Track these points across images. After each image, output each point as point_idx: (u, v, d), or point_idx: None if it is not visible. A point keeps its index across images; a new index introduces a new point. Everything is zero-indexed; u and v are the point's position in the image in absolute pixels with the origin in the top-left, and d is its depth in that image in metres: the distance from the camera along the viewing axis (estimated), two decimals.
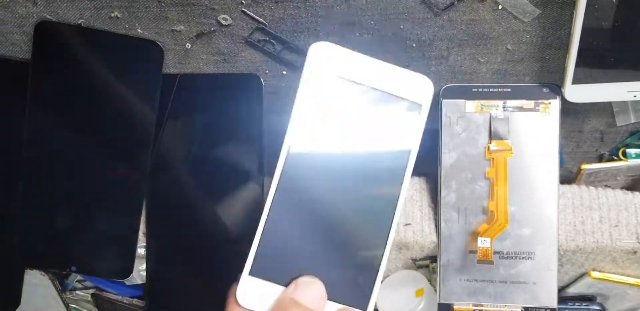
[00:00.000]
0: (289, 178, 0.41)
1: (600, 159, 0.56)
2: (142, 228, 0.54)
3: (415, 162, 0.40)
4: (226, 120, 0.52)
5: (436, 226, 0.52)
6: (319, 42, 0.40)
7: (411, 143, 0.41)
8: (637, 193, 0.52)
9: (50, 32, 0.48)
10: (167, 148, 0.53)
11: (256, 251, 0.40)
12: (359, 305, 0.40)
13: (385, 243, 0.41)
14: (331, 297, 0.40)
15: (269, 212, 0.40)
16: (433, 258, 0.56)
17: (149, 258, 0.55)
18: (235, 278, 0.39)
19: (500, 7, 0.43)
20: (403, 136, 0.41)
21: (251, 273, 0.40)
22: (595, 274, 0.55)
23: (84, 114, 0.51)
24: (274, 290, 0.39)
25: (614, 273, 0.56)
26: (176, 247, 0.54)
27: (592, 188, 0.53)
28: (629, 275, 0.56)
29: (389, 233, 0.41)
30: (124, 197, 0.53)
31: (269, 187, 0.40)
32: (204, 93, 0.52)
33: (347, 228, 0.42)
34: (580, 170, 0.56)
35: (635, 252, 0.52)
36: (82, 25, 0.48)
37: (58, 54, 0.49)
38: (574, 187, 0.53)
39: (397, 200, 0.41)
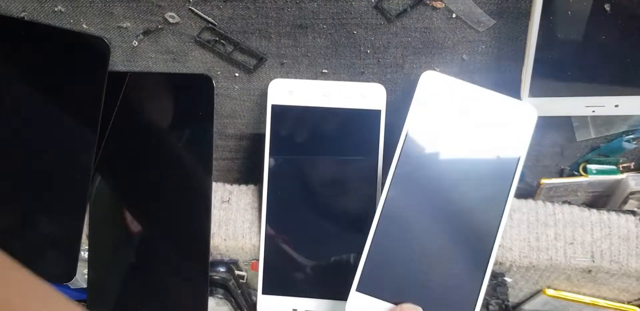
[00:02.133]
0: (396, 196, 0.44)
1: (560, 174, 0.55)
2: (86, 230, 0.52)
3: None
4: (175, 121, 0.50)
5: None
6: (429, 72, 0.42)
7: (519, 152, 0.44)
8: (594, 210, 0.50)
9: None
10: (113, 148, 0.51)
11: (363, 268, 0.44)
12: None
13: (487, 266, 0.44)
14: None
15: (377, 227, 0.44)
16: None
17: (90, 261, 0.53)
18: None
19: (454, 15, 0.41)
20: (511, 147, 0.45)
21: (359, 289, 0.44)
22: (550, 292, 0.54)
23: (22, 111, 0.49)
24: (380, 306, 0.43)
25: (569, 291, 0.54)
26: (118, 249, 0.52)
27: (548, 203, 0.51)
28: (584, 294, 0.54)
29: (490, 255, 0.44)
30: (67, 197, 0.51)
31: (376, 202, 0.45)
32: (153, 93, 0.50)
33: (449, 248, 0.45)
34: (539, 184, 0.54)
35: (589, 271, 0.50)
36: (25, 18, 0.45)
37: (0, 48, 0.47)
38: (530, 202, 0.51)
39: (500, 221, 0.44)
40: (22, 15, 0.45)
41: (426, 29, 0.42)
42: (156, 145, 0.50)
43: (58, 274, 0.52)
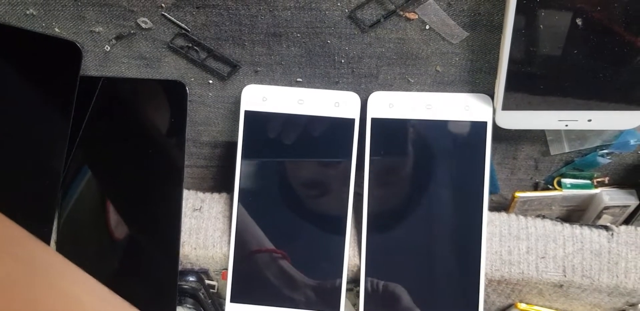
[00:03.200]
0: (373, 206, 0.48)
1: (535, 187, 0.55)
2: (54, 237, 0.51)
3: None
4: (147, 127, 0.49)
5: None
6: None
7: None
8: (566, 224, 0.50)
9: None
10: (84, 154, 0.50)
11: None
12: None
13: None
14: None
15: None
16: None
17: None
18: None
19: (427, 27, 0.41)
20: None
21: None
22: (522, 306, 0.54)
23: None
24: None
25: (541, 306, 0.54)
26: (86, 256, 0.51)
27: (521, 217, 0.51)
28: (556, 309, 0.54)
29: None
30: (36, 203, 0.50)
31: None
32: (126, 98, 0.49)
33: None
34: (514, 197, 0.54)
35: (561, 286, 0.50)
36: None
37: None
38: (503, 215, 0.51)
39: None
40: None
41: (400, 40, 0.42)
42: (127, 152, 0.49)
43: None
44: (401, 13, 0.40)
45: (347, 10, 0.41)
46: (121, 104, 0.49)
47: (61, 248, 0.51)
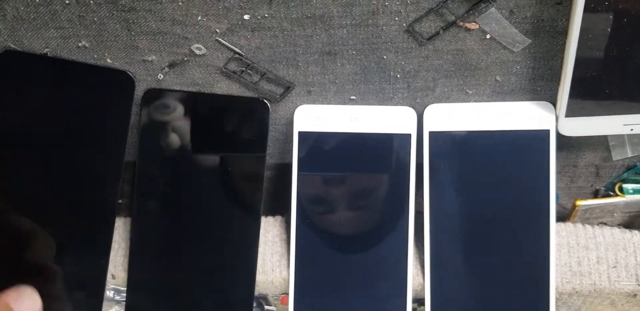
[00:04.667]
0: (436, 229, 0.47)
1: (595, 195, 0.54)
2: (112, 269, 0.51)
3: None
4: (228, 148, 0.48)
5: None
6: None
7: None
8: (635, 231, 0.49)
9: (14, 61, 0.45)
10: (143, 188, 0.49)
11: None
12: None
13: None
14: None
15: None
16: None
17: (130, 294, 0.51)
18: None
19: (488, 36, 0.40)
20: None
21: None
22: None
23: (47, 146, 0.47)
24: None
25: None
26: (158, 285, 0.50)
27: (588, 226, 0.50)
28: None
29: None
30: (93, 235, 0.49)
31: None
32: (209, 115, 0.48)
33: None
34: (575, 206, 0.53)
35: (635, 295, 0.48)
36: (48, 54, 0.45)
37: (23, 85, 0.46)
38: (569, 225, 0.50)
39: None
40: (45, 51, 0.44)
41: (459, 51, 0.42)
42: (203, 174, 0.48)
43: None
44: (461, 24, 0.39)
45: (404, 24, 0.40)
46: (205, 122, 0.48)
47: (132, 276, 0.50)
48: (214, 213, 0.49)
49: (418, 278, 0.49)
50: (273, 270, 0.51)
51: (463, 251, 0.48)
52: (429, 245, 0.48)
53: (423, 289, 0.49)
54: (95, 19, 0.42)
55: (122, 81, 0.46)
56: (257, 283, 0.51)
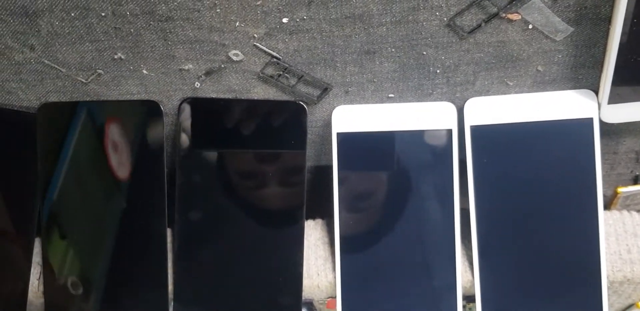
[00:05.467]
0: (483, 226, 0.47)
1: (635, 181, 0.53)
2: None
3: None
4: (269, 152, 0.48)
5: None
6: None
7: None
8: None
9: (51, 111, 0.46)
10: (184, 199, 0.49)
11: None
12: None
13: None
14: None
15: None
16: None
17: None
18: None
19: (530, 26, 0.40)
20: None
21: None
22: None
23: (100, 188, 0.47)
24: None
25: None
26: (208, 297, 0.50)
27: (634, 213, 0.49)
28: None
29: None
30: (148, 271, 0.49)
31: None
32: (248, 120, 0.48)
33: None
34: (616, 193, 0.53)
35: None
36: (101, 74, 0.45)
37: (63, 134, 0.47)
38: (615, 213, 0.49)
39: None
40: (98, 72, 0.44)
41: (500, 43, 0.41)
42: (244, 180, 0.48)
43: None
44: (503, 15, 0.39)
45: (445, 19, 0.40)
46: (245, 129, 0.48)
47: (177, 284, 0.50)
48: (257, 220, 0.49)
49: (467, 274, 0.48)
50: (318, 274, 0.51)
51: (511, 246, 0.47)
52: (477, 241, 0.47)
53: (472, 286, 0.48)
54: (132, 30, 0.42)
55: (150, 109, 0.46)
56: (303, 288, 0.50)
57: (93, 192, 0.48)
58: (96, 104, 0.46)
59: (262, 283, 0.49)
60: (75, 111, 0.47)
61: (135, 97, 0.46)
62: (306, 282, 0.50)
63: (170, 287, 0.49)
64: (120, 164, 0.47)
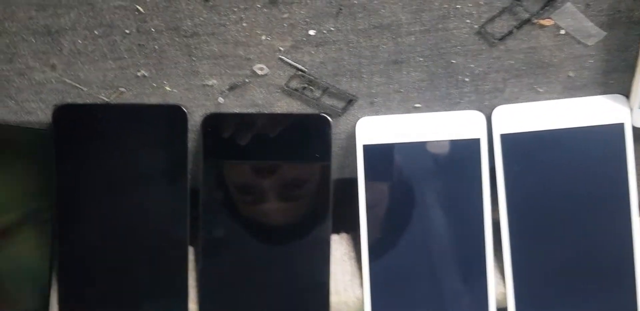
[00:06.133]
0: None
1: None
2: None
3: None
4: (296, 165, 0.47)
5: None
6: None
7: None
8: None
9: (69, 114, 0.45)
10: (209, 216, 0.48)
11: None
12: None
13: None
14: None
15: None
16: None
17: None
18: None
19: (562, 32, 0.40)
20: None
21: None
22: None
23: (114, 192, 0.46)
24: None
25: None
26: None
27: None
28: None
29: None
30: (170, 277, 0.48)
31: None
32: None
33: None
34: None
35: None
36: (125, 91, 0.44)
37: (82, 135, 0.46)
38: None
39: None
40: (121, 90, 0.43)
41: (531, 49, 0.41)
42: (270, 195, 0.47)
43: None
44: (535, 21, 0.39)
45: (476, 26, 0.40)
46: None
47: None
48: (283, 234, 0.48)
49: (499, 287, 0.48)
50: (346, 290, 0.50)
51: (544, 255, 0.46)
52: (509, 252, 0.46)
53: (505, 298, 0.47)
54: (156, 46, 0.41)
55: (175, 115, 0.45)
56: (331, 304, 0.49)
57: (114, 195, 0.47)
58: (118, 107, 0.45)
59: (289, 300, 0.48)
60: (96, 114, 0.46)
61: None
62: (334, 298, 0.49)
63: (195, 306, 0.48)
64: (143, 168, 0.46)
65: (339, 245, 0.51)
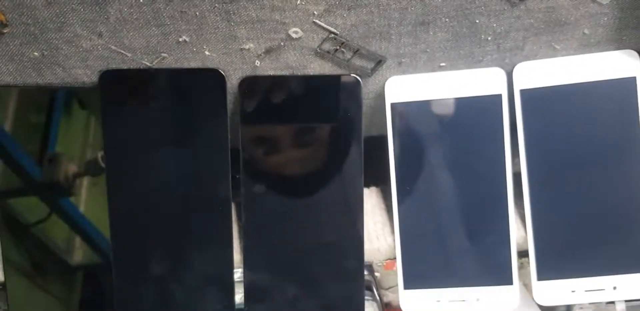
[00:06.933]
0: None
1: None
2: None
3: None
4: (332, 124, 0.50)
5: None
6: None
7: None
8: None
9: (113, 79, 0.48)
10: (249, 172, 0.51)
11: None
12: None
13: None
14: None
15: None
16: None
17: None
18: None
19: None
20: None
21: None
22: None
23: (156, 154, 0.50)
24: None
25: None
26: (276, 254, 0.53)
27: None
28: None
29: None
30: (214, 232, 0.51)
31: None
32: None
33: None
34: None
35: None
36: (166, 58, 0.47)
37: (128, 100, 0.49)
38: None
39: None
40: (163, 55, 0.46)
41: (550, 8, 0.43)
42: (304, 153, 0.50)
43: (220, 309, 0.53)
44: None
45: None
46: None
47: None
48: (319, 189, 0.51)
49: (520, 231, 0.51)
50: (378, 238, 0.53)
51: (562, 203, 0.49)
52: (529, 200, 0.49)
53: (525, 241, 0.51)
54: (197, 13, 0.44)
55: (214, 78, 0.48)
56: (365, 252, 0.53)
57: (159, 155, 0.50)
58: (161, 72, 0.48)
59: (327, 249, 0.52)
60: (140, 78, 0.48)
61: None
62: (367, 246, 0.53)
63: (238, 256, 0.52)
64: (185, 131, 0.49)
65: (369, 198, 0.55)
